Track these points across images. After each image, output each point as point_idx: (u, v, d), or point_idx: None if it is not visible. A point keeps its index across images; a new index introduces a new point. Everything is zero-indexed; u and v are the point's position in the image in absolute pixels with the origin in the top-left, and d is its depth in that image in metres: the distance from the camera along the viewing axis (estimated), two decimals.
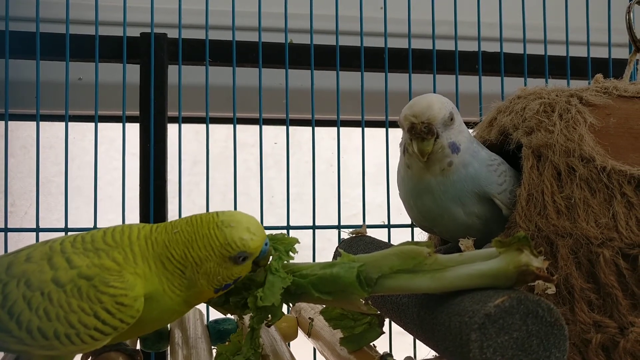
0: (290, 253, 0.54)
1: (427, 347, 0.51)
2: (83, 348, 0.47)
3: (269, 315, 0.52)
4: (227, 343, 0.55)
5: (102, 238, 0.50)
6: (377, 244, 0.68)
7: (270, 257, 0.53)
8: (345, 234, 0.76)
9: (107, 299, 0.46)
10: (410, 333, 0.55)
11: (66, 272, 0.47)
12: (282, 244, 0.54)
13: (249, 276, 0.53)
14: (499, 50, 1.05)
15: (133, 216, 0.93)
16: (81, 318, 0.46)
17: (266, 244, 0.51)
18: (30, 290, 0.46)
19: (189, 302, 0.50)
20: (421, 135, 0.60)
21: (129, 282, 0.47)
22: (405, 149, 0.64)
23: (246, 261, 0.49)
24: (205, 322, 0.76)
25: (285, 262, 0.53)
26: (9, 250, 0.85)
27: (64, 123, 0.90)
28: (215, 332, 0.72)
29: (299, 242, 0.55)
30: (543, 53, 1.05)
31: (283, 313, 0.52)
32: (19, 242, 0.95)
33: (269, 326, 0.54)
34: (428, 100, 0.61)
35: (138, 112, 0.96)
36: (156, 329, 0.54)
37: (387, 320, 0.63)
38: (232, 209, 0.93)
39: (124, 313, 0.46)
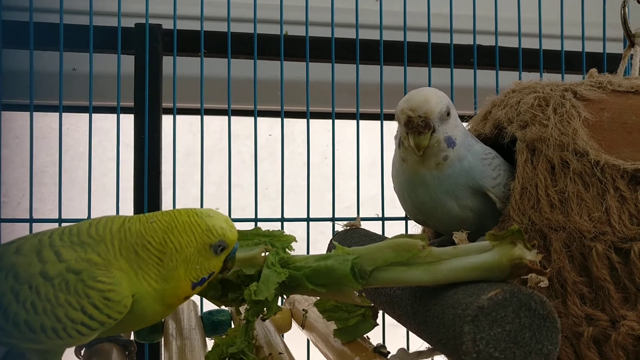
0: (287, 250, 0.54)
1: (421, 339, 0.51)
2: (70, 342, 0.47)
3: (264, 309, 0.52)
4: (224, 336, 0.55)
5: (87, 231, 0.49)
6: (371, 237, 0.68)
7: (267, 247, 0.53)
8: (340, 227, 0.76)
9: (94, 294, 0.45)
10: (403, 325, 0.55)
11: (54, 266, 0.46)
12: (279, 241, 0.54)
13: (246, 275, 0.53)
14: (494, 44, 1.05)
15: (127, 207, 0.93)
16: (68, 312, 0.45)
17: (236, 244, 0.51)
18: (19, 283, 0.46)
19: (164, 300, 0.48)
20: (418, 129, 0.59)
21: (116, 278, 0.46)
22: (400, 143, 0.64)
23: (222, 253, 0.49)
24: (199, 314, 0.76)
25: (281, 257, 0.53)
26: (2, 240, 0.85)
27: (57, 113, 0.89)
28: (209, 323, 0.72)
29: (296, 241, 0.55)
30: (538, 47, 1.06)
31: (279, 307, 0.52)
32: (12, 232, 0.94)
33: (263, 320, 0.54)
34: (425, 94, 0.61)
35: (132, 103, 0.96)
36: (154, 322, 0.54)
37: (380, 312, 0.63)
38: (227, 200, 0.93)
39: (111, 308, 0.46)
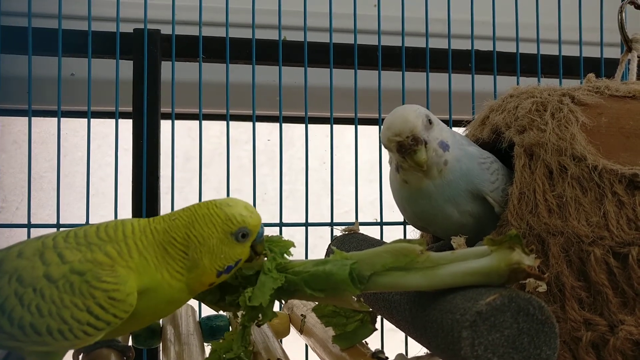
0: (285, 255, 0.54)
1: (419, 344, 0.51)
2: (76, 343, 0.47)
3: (260, 315, 0.52)
4: (221, 340, 0.55)
5: (95, 233, 0.49)
6: (370, 242, 0.68)
7: (265, 252, 0.53)
8: (338, 231, 0.76)
9: (99, 294, 0.46)
10: (402, 330, 0.55)
11: (58, 268, 0.46)
12: (277, 246, 0.54)
13: (245, 275, 0.53)
14: (491, 49, 1.05)
15: (125, 212, 0.93)
16: (74, 313, 0.45)
17: (262, 228, 0.52)
18: (22, 287, 0.46)
19: (190, 286, 0.50)
20: (411, 149, 0.59)
21: (121, 277, 0.46)
22: (398, 167, 0.63)
23: (246, 240, 0.50)
24: (198, 319, 0.76)
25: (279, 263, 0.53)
26: (0, 246, 0.85)
27: (56, 119, 0.89)
28: (208, 329, 0.72)
29: (294, 246, 0.55)
30: (536, 52, 1.06)
31: (275, 313, 0.52)
32: (10, 238, 0.94)
33: (259, 326, 0.54)
34: (402, 114, 0.60)
35: (131, 108, 0.96)
36: (153, 321, 0.54)
37: (378, 317, 0.63)
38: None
39: (117, 308, 0.46)
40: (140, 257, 0.48)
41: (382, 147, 0.98)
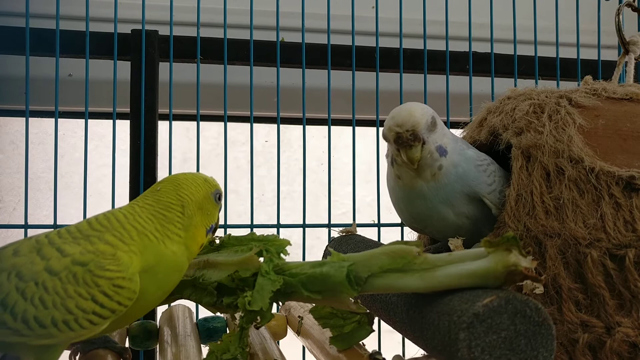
0: (282, 255, 0.54)
1: (416, 346, 0.51)
2: (82, 334, 0.47)
3: (258, 317, 0.52)
4: (219, 342, 0.55)
5: (88, 226, 0.50)
6: (367, 243, 0.68)
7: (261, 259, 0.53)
8: (335, 233, 0.76)
9: (104, 282, 0.46)
10: (399, 332, 0.55)
11: (59, 261, 0.47)
12: (273, 245, 0.54)
13: (242, 278, 0.53)
14: (489, 51, 1.05)
15: None
16: (79, 303, 0.46)
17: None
18: (23, 281, 0.46)
19: (188, 247, 0.53)
20: (408, 144, 0.60)
21: (124, 264, 0.47)
22: (393, 160, 0.64)
23: (219, 203, 0.57)
24: (195, 320, 0.76)
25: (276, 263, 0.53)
26: None
27: (53, 119, 0.89)
28: (205, 330, 0.72)
29: (290, 244, 0.55)
30: (533, 54, 1.06)
31: (273, 315, 0.52)
32: (7, 238, 0.94)
33: (257, 328, 0.54)
34: (408, 108, 0.61)
35: (128, 109, 0.96)
36: (159, 302, 0.55)
37: (376, 319, 0.63)
38: (222, 206, 0.93)
39: (121, 295, 0.47)
40: (140, 236, 0.50)
41: (380, 146, 0.98)
